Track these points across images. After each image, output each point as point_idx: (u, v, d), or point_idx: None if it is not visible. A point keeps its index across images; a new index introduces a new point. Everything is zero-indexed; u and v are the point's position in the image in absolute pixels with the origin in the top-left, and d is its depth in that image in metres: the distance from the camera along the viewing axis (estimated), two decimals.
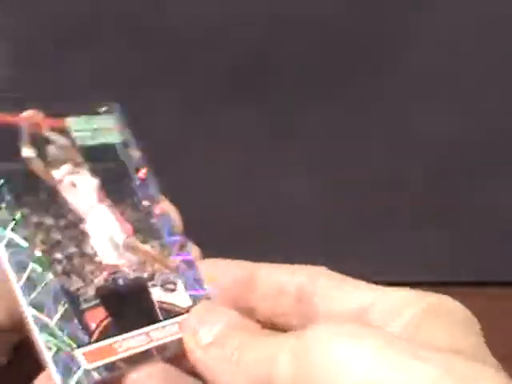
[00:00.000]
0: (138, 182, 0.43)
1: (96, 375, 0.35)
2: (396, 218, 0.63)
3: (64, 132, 0.42)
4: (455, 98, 0.63)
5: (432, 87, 0.63)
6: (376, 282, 0.54)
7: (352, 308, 0.38)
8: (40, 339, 0.35)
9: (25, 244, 0.37)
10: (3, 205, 0.37)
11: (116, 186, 0.42)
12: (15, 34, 0.62)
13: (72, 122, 0.43)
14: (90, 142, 0.43)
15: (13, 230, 0.37)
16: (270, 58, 0.63)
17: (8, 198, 0.38)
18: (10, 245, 0.36)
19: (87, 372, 0.35)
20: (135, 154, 0.44)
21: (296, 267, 0.40)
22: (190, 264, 0.42)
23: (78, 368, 0.35)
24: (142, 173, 0.44)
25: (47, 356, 0.34)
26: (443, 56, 0.62)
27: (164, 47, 0.62)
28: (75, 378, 0.35)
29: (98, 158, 0.43)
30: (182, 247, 0.42)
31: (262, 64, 0.62)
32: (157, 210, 0.43)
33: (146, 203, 0.43)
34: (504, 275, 0.63)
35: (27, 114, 0.41)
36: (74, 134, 0.42)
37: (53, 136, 0.42)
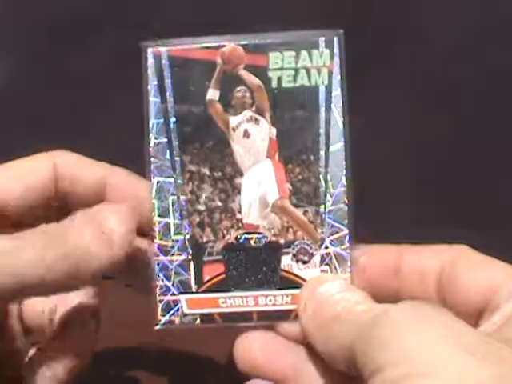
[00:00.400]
0: (324, 140, 0.40)
1: (191, 320, 0.40)
2: (396, 217, 0.61)
3: (261, 71, 0.40)
4: (455, 98, 0.61)
5: (432, 88, 0.60)
6: None
7: (483, 286, 0.37)
8: (157, 277, 0.40)
9: (174, 192, 0.40)
10: (167, 150, 0.40)
11: (295, 140, 0.40)
12: (14, 32, 0.59)
13: (274, 59, 0.40)
14: (288, 84, 0.40)
15: (168, 176, 0.40)
16: None
17: (175, 143, 0.40)
18: (160, 190, 0.40)
19: (184, 315, 0.40)
20: (339, 104, 0.40)
21: (439, 250, 0.40)
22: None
23: (177, 310, 0.40)
24: (337, 126, 0.40)
25: (157, 292, 0.40)
26: (443, 56, 0.60)
27: None
28: (172, 316, 0.40)
29: (289, 103, 0.40)
30: (341, 238, 0.40)
31: None
32: (336, 184, 0.40)
33: (321, 165, 0.40)
34: None
35: (227, 48, 0.40)
36: (271, 74, 0.40)
37: (246, 76, 0.40)
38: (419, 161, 0.61)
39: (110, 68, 0.58)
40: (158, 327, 0.40)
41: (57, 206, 0.41)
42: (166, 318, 0.40)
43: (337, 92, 0.40)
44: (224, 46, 0.40)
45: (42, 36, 0.59)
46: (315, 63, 0.40)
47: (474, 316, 0.37)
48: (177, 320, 0.40)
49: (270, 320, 0.40)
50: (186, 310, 0.40)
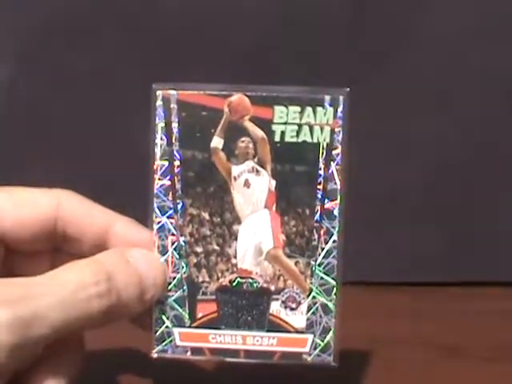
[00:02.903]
0: (320, 196, 0.41)
1: (182, 351, 0.43)
2: (396, 218, 0.61)
3: (265, 123, 0.41)
4: (455, 99, 0.60)
5: (432, 88, 0.60)
6: (376, 283, 0.61)
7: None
8: (154, 309, 0.42)
9: (174, 231, 0.42)
10: (170, 192, 0.42)
11: (293, 193, 0.42)
12: (14, 33, 0.58)
13: (279, 113, 0.41)
14: (291, 139, 0.41)
15: (169, 217, 0.42)
16: (269, 58, 0.59)
17: (178, 186, 0.42)
18: (161, 229, 0.42)
19: (176, 347, 0.43)
20: (338, 162, 0.41)
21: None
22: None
23: (170, 341, 0.43)
24: (334, 184, 0.41)
25: (153, 323, 0.43)
26: (444, 57, 0.60)
27: (164, 47, 0.56)
28: (165, 346, 0.43)
29: (290, 157, 0.41)
30: (328, 289, 0.42)
31: (261, 64, 0.57)
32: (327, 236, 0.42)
33: (315, 219, 0.42)
34: (504, 275, 0.62)
35: (234, 99, 0.41)
36: (275, 128, 0.41)
37: (250, 127, 0.41)
38: (420, 165, 0.61)
39: (109, 69, 0.58)
40: (152, 355, 0.43)
41: (54, 241, 0.43)
42: (160, 347, 0.43)
43: (337, 151, 0.41)
44: (231, 95, 0.41)
45: (42, 37, 0.59)
46: (319, 120, 0.41)
47: None
48: (169, 350, 0.43)
49: (255, 358, 0.42)
50: (179, 342, 0.43)
